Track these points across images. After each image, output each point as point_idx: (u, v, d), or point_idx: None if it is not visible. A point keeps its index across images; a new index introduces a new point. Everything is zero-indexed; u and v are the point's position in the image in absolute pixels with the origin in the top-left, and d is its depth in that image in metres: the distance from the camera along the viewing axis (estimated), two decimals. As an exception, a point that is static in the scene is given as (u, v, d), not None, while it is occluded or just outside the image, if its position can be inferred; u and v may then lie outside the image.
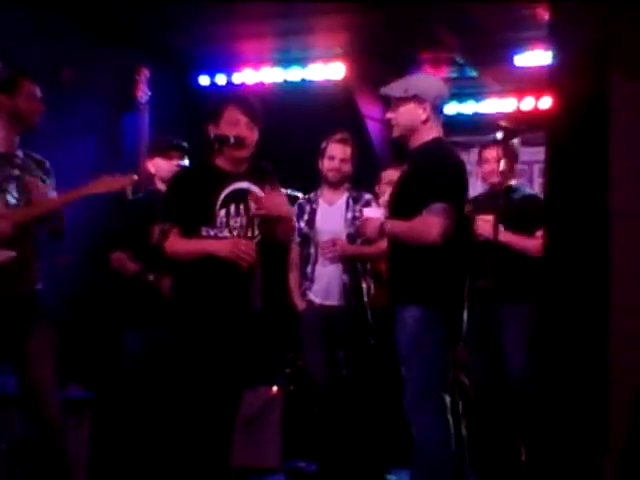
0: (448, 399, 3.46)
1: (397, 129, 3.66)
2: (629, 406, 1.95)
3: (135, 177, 3.83)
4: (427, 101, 3.58)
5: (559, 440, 2.07)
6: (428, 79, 3.91)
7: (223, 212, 3.55)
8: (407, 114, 3.61)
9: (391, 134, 3.74)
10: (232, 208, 3.57)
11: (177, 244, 3.54)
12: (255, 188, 3.61)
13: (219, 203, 3.55)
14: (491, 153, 4.45)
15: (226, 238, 3.53)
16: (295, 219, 4.17)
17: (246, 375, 3.72)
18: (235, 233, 3.55)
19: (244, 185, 3.60)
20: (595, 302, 2.07)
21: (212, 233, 3.54)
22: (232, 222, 3.56)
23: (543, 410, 2.14)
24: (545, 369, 2.13)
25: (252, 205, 3.55)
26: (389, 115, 3.69)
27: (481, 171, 4.66)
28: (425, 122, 3.59)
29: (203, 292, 3.53)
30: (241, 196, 3.59)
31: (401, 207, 3.57)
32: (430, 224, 3.40)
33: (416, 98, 3.58)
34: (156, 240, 3.67)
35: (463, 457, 3.56)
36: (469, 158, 5.53)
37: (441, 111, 3.67)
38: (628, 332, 1.99)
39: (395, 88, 3.68)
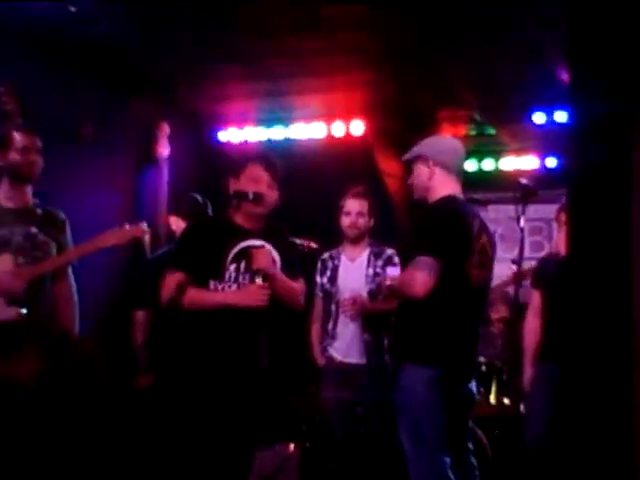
0: (447, 459, 3.37)
1: (415, 190, 3.71)
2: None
3: (145, 227, 3.80)
4: (429, 159, 3.61)
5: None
6: (434, 139, 3.92)
7: (233, 267, 3.51)
8: (416, 174, 3.67)
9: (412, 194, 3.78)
10: (243, 264, 3.53)
11: (192, 294, 3.48)
12: (269, 246, 3.57)
13: (230, 258, 3.51)
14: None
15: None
16: (302, 283, 4.00)
17: (255, 434, 3.65)
18: None
19: (258, 243, 3.55)
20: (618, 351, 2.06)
21: (220, 287, 3.50)
22: (240, 278, 3.52)
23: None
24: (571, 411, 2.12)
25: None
26: (409, 180, 3.73)
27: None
28: (430, 179, 3.61)
29: (212, 348, 3.47)
30: None
31: (404, 263, 3.61)
32: (412, 278, 3.42)
33: (420, 158, 3.64)
34: (171, 293, 3.54)
35: None
36: (487, 214, 5.53)
37: (454, 169, 3.65)
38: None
39: (408, 152, 3.74)
